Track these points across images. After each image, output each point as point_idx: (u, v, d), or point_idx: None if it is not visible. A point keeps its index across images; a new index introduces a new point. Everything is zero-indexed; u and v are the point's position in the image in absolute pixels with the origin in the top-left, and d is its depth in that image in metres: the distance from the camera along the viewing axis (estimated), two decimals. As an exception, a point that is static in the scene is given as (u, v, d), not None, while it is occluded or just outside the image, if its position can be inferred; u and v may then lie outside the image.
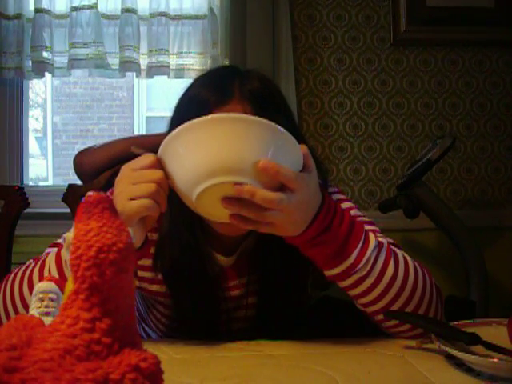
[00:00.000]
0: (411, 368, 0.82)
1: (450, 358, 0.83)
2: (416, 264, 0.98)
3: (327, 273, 0.92)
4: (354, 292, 0.93)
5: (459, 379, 0.77)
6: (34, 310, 0.74)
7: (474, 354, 0.78)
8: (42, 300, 0.74)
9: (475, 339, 0.81)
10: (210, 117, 0.78)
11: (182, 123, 0.78)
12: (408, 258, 0.97)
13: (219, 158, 0.77)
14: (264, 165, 0.76)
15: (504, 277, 2.29)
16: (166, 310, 1.10)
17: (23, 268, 1.00)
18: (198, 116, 0.78)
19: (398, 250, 0.97)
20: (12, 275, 1.00)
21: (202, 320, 1.06)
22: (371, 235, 0.93)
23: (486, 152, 2.40)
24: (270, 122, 0.78)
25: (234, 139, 0.77)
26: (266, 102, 0.99)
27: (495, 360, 0.75)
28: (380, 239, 0.95)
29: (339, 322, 1.31)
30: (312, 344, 0.95)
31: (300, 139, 0.84)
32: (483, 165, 2.40)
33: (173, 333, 1.13)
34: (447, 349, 0.80)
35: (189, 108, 1.00)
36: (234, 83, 1.00)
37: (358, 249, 0.89)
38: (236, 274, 1.09)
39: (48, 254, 1.00)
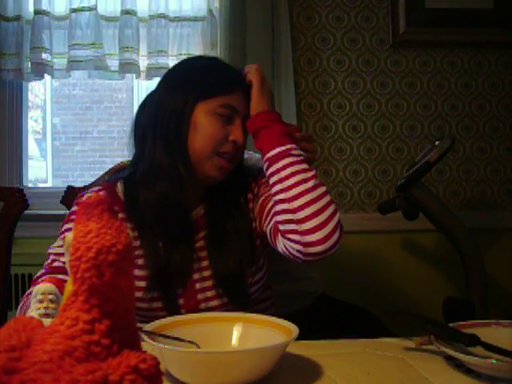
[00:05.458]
0: (411, 369, 0.82)
1: (450, 360, 0.83)
2: None
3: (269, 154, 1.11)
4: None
5: (459, 380, 0.77)
6: (33, 312, 0.74)
7: (473, 355, 0.78)
8: (41, 301, 0.74)
9: (475, 340, 0.81)
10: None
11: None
12: None
13: None
14: None
15: (503, 278, 2.29)
16: (140, 281, 1.13)
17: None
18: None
19: None
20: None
21: (174, 268, 1.13)
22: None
23: (485, 153, 2.40)
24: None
25: None
26: None
27: (494, 361, 0.75)
28: None
29: (337, 321, 1.31)
30: (311, 344, 0.95)
31: None
32: (482, 166, 2.40)
33: (148, 311, 1.14)
34: (447, 350, 0.80)
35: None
36: None
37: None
38: (202, 226, 1.19)
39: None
